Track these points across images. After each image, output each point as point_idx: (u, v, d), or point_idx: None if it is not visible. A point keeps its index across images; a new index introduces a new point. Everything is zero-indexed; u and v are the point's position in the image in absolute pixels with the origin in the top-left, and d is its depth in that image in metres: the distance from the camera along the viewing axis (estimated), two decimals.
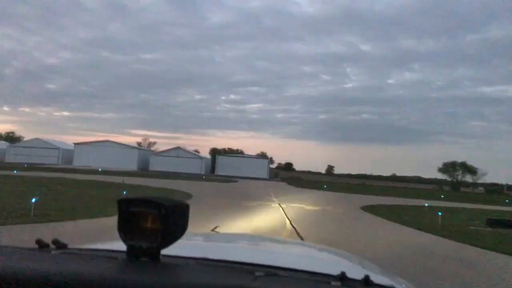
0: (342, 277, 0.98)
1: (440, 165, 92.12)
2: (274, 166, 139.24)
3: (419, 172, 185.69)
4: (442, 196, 41.44)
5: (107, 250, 1.25)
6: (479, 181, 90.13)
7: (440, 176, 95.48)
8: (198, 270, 0.97)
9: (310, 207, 19.24)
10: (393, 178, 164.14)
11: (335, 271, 1.03)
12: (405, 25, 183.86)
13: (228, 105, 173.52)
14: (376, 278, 1.08)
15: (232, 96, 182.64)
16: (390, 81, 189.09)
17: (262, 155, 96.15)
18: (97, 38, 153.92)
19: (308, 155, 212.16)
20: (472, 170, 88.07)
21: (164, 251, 0.94)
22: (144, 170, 67.60)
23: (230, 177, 60.85)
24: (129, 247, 0.92)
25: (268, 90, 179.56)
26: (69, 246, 1.12)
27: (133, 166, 71.79)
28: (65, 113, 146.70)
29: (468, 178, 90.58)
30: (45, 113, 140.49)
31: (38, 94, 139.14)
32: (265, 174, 74.59)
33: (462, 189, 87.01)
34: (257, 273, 0.92)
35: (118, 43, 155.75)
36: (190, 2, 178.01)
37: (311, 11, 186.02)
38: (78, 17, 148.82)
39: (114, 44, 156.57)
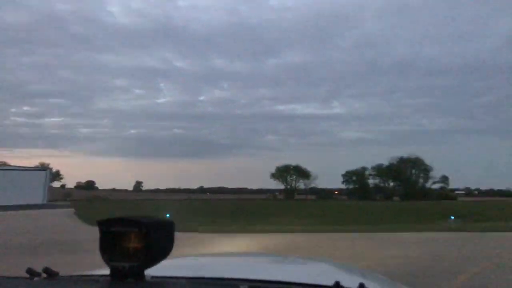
0: (337, 286, 0.97)
1: (273, 171, 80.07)
2: (71, 186, 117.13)
3: (222, 183, 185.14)
4: None
5: (96, 275, 1.19)
6: (312, 185, 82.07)
7: (270, 184, 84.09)
8: None
9: None
10: (201, 190, 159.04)
11: (329, 282, 1.01)
12: (217, 46, 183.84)
13: (20, 119, 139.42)
14: (372, 286, 1.05)
15: (26, 108, 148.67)
16: (201, 97, 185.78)
17: (41, 167, 61.50)
18: None
19: (114, 173, 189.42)
20: (305, 174, 78.90)
21: (152, 272, 0.92)
22: None
23: None
24: (113, 268, 0.89)
25: (73, 103, 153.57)
26: (60, 274, 1.08)
27: None
28: None
29: (301, 184, 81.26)
30: None
31: None
32: (40, 197, 43.43)
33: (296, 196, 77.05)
34: (241, 287, 0.96)
35: None
36: None
37: (125, 23, 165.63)
38: None
39: None
